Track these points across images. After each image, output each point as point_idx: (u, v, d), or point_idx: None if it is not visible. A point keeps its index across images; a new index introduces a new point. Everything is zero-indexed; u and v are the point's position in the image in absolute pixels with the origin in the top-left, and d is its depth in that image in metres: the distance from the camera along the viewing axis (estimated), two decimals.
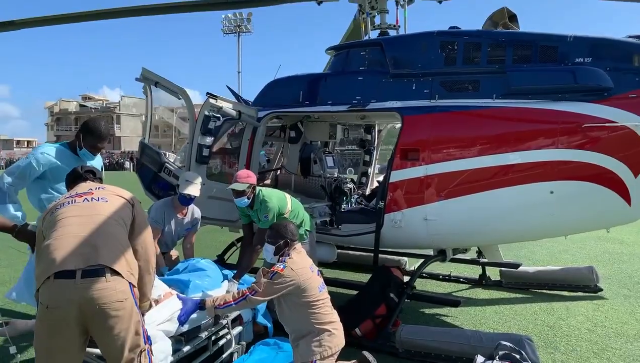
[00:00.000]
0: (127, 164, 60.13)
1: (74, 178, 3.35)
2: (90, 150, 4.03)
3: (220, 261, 6.62)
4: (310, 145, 7.26)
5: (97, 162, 4.18)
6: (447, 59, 5.52)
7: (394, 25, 6.54)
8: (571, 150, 4.89)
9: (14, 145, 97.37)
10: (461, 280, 7.36)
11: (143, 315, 3.06)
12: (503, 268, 7.09)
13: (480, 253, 7.03)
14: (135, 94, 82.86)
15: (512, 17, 5.81)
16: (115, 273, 2.71)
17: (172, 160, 6.67)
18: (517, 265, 6.83)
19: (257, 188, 4.93)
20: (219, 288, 4.37)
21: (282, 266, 3.79)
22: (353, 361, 4.10)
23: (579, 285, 6.73)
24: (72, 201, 3.00)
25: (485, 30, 5.70)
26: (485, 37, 5.45)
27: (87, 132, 4.00)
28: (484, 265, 7.11)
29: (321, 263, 7.49)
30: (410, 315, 5.86)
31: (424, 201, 5.32)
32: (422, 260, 5.85)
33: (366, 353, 4.13)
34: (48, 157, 3.93)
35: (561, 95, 4.97)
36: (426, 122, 5.37)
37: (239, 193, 4.76)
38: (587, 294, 6.67)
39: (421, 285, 7.22)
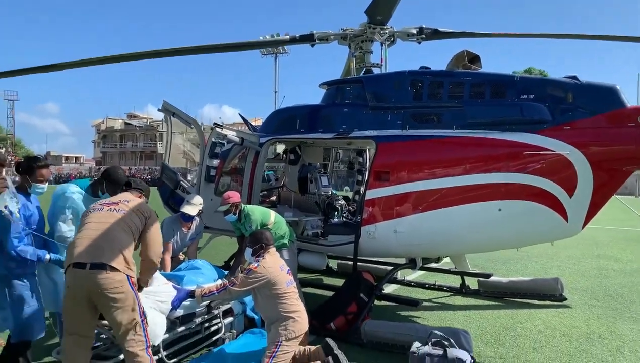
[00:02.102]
0: None
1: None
2: (111, 194, 4.75)
3: (226, 266, 7.62)
4: (308, 166, 8.24)
5: None
6: (415, 95, 6.43)
7: (378, 64, 7.49)
8: (515, 173, 5.70)
9: (63, 161, 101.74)
10: (444, 288, 8.13)
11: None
12: (480, 279, 7.85)
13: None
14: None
15: (475, 58, 6.67)
16: (114, 269, 3.72)
17: (190, 179, 7.77)
18: (488, 275, 7.60)
19: (242, 205, 5.92)
20: (212, 284, 5.35)
21: (256, 264, 4.77)
22: (318, 346, 5.00)
23: (546, 294, 7.42)
24: (100, 208, 4.08)
25: (447, 71, 6.58)
26: (447, 76, 6.34)
27: (109, 181, 4.83)
28: (462, 275, 7.87)
29: (313, 270, 8.46)
30: (387, 314, 6.69)
31: (394, 216, 6.19)
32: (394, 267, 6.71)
33: (328, 340, 5.00)
34: (78, 201, 4.72)
35: (508, 126, 5.81)
36: (396, 148, 6.27)
37: (226, 212, 5.79)
38: (554, 303, 7.35)
39: (407, 292, 8.04)
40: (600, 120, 5.51)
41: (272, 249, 5.05)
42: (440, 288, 8.15)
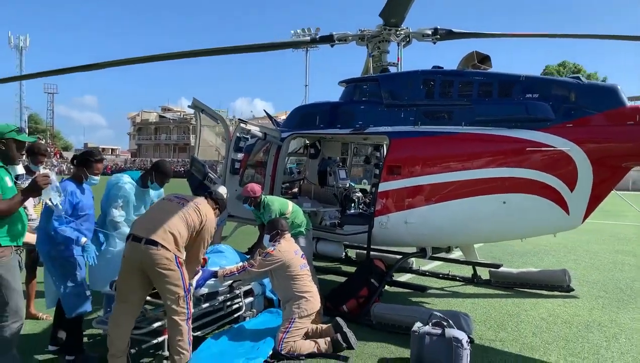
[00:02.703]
0: None
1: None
2: (159, 184, 5.54)
3: (249, 252, 8.14)
4: (328, 160, 8.68)
5: (160, 191, 5.74)
6: (427, 93, 6.80)
7: (394, 63, 7.86)
8: (519, 168, 6.03)
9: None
10: (457, 278, 8.49)
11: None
12: (491, 269, 8.18)
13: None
14: (211, 105, 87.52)
15: (486, 58, 7.00)
16: (165, 247, 4.29)
17: (218, 171, 8.31)
18: (498, 266, 7.91)
19: (263, 196, 6.41)
20: (233, 266, 5.87)
21: (272, 248, 5.27)
22: (329, 324, 5.48)
23: (554, 285, 7.71)
24: (171, 199, 4.74)
25: (457, 70, 6.92)
26: (457, 76, 6.69)
27: (158, 171, 5.47)
28: (473, 265, 8.21)
29: (331, 258, 8.91)
30: (399, 300, 7.10)
31: (405, 207, 6.59)
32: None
33: (338, 319, 5.50)
34: (130, 191, 5.36)
35: (514, 123, 6.13)
36: (408, 144, 6.66)
37: (244, 201, 6.31)
38: (561, 293, 7.64)
39: (421, 281, 8.42)
40: (600, 118, 5.78)
41: (288, 235, 5.53)
42: (453, 278, 8.51)
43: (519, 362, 5.13)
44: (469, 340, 4.88)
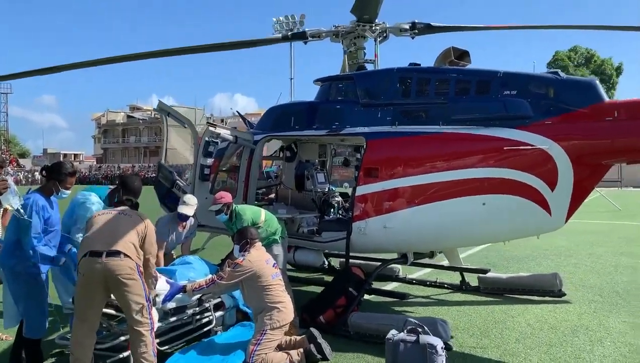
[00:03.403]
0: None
1: (118, 202, 5.40)
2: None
3: (223, 263, 8.57)
4: (305, 163, 9.14)
5: None
6: (404, 92, 7.28)
7: (371, 60, 8.35)
8: (498, 168, 6.51)
9: (61, 159, 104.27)
10: (445, 285, 8.98)
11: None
12: (480, 275, 8.67)
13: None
14: (185, 102, 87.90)
15: (465, 53, 7.49)
16: (127, 256, 4.70)
17: (186, 178, 8.74)
18: (486, 271, 8.41)
19: (234, 205, 6.84)
20: (202, 279, 6.30)
21: (242, 258, 5.71)
22: (303, 335, 5.92)
23: (545, 289, 8.21)
24: (110, 212, 5.08)
25: (433, 68, 7.41)
26: (433, 73, 7.18)
27: (126, 189, 5.48)
28: (461, 271, 8.70)
29: (312, 268, 9.37)
30: (382, 310, 7.56)
31: (383, 211, 7.06)
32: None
33: (312, 329, 5.94)
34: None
35: (492, 122, 6.62)
36: (384, 145, 7.13)
37: (217, 212, 6.72)
38: (553, 298, 8.14)
39: (408, 289, 8.89)
40: (579, 114, 6.28)
41: (258, 244, 5.98)
42: (441, 286, 8.99)
43: None
44: (444, 347, 5.35)
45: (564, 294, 8.16)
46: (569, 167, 6.29)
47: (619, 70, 69.15)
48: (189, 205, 7.10)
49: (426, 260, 8.48)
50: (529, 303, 8.03)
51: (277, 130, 8.40)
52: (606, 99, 6.29)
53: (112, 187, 6.30)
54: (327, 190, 8.90)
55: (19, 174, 75.12)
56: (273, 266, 5.91)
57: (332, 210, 8.57)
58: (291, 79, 67.96)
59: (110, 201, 5.89)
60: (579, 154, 6.25)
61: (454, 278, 9.17)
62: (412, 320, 5.62)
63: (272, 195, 9.56)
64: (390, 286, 9.11)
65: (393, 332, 5.57)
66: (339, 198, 8.79)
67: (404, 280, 9.34)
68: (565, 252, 12.90)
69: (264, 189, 9.73)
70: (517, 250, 12.91)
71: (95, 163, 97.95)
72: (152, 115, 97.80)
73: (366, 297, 7.87)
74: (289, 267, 9.02)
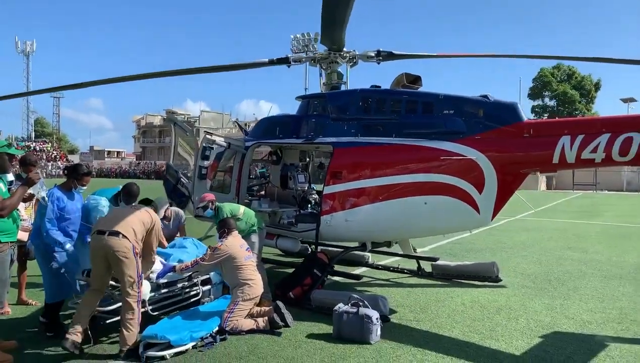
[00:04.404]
0: None
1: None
2: (126, 203, 6.21)
3: None
4: (289, 166, 9.69)
5: None
6: (365, 109, 7.80)
7: (344, 82, 8.89)
8: (437, 174, 7.03)
9: (105, 156, 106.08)
10: (405, 271, 9.49)
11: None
12: (433, 262, 9.18)
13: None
14: (214, 108, 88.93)
15: (417, 79, 8.01)
16: (125, 237, 5.30)
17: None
18: (435, 259, 8.93)
19: (217, 203, 7.40)
20: (189, 261, 6.86)
21: (220, 243, 6.30)
22: (270, 307, 6.48)
23: (484, 276, 8.70)
24: (124, 206, 5.84)
25: (389, 90, 7.94)
26: (389, 94, 7.71)
27: (125, 193, 6.14)
28: (417, 259, 9.22)
29: (288, 252, 9.93)
30: (347, 288, 8.08)
31: (345, 208, 7.59)
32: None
33: (278, 302, 6.51)
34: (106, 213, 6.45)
35: (434, 135, 7.12)
36: (347, 152, 7.66)
37: (204, 208, 7.30)
38: (491, 283, 8.62)
39: (373, 273, 9.44)
40: (502, 131, 6.78)
41: (235, 232, 6.56)
42: (401, 271, 9.51)
43: (422, 336, 6.11)
44: (378, 317, 5.89)
45: (500, 280, 8.64)
46: (493, 174, 6.78)
47: (597, 86, 69.07)
48: (160, 207, 7.65)
49: (386, 249, 9.05)
50: (471, 287, 8.52)
51: (265, 138, 8.97)
52: (525, 118, 6.79)
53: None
54: (306, 188, 9.44)
55: (52, 169, 76.42)
56: (246, 250, 6.50)
57: (309, 205, 9.12)
58: (305, 89, 68.91)
59: (115, 202, 6.53)
60: (501, 163, 6.75)
61: (414, 265, 9.68)
62: (355, 296, 6.18)
63: (262, 192, 10.13)
64: (360, 270, 9.63)
65: (340, 305, 6.13)
66: (316, 196, 9.34)
67: (372, 266, 9.86)
68: (520, 245, 13.34)
69: (257, 187, 10.34)
70: (480, 242, 13.40)
71: (135, 160, 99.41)
72: (186, 118, 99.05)
73: (337, 278, 8.47)
74: (276, 252, 9.66)
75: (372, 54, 8.58)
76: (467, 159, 6.85)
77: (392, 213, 7.30)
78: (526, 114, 7.06)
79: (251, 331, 6.10)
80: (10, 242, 5.47)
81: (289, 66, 8.85)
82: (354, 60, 8.78)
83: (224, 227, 6.52)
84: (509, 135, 6.75)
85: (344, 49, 8.27)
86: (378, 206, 7.35)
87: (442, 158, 6.99)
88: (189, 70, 8.28)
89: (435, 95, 7.32)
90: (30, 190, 5.42)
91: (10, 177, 5.70)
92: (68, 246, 5.90)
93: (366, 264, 9.93)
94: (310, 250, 10.11)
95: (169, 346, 5.39)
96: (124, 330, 5.29)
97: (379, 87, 8.07)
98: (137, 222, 5.52)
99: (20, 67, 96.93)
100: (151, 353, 5.27)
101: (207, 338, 5.81)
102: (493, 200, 6.90)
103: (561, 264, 10.70)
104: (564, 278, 9.25)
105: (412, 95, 7.53)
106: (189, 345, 5.56)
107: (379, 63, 8.78)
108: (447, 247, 12.66)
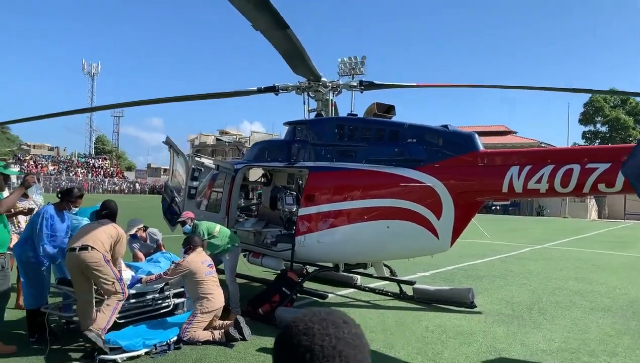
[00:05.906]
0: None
1: (99, 217, 6.64)
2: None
3: None
4: (279, 188, 10.08)
5: None
6: (340, 136, 8.15)
7: (324, 110, 9.27)
8: (399, 199, 7.27)
9: (162, 173, 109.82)
10: (388, 294, 9.64)
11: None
12: (415, 286, 9.30)
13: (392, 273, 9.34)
14: (266, 129, 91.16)
15: (391, 108, 8.30)
16: (94, 249, 5.84)
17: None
18: (412, 282, 9.05)
19: (195, 221, 7.87)
20: (156, 274, 7.31)
21: (182, 259, 6.75)
22: (231, 321, 6.85)
23: (460, 302, 8.74)
24: (92, 222, 6.39)
25: (361, 118, 8.26)
26: (360, 122, 8.03)
27: (102, 209, 6.71)
28: (398, 282, 9.36)
29: (272, 270, 10.26)
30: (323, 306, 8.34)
31: (317, 229, 7.92)
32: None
33: (239, 317, 6.88)
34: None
35: (397, 163, 7.38)
36: (320, 176, 8.02)
37: (182, 224, 7.80)
38: (467, 309, 8.65)
39: (358, 294, 9.65)
40: (459, 160, 6.96)
41: (199, 249, 7.00)
42: (385, 293, 9.66)
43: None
44: None
45: (475, 306, 8.65)
46: (450, 201, 6.96)
47: None
48: (131, 227, 8.24)
49: (370, 271, 9.25)
50: (446, 311, 8.56)
51: (255, 161, 9.46)
52: (481, 148, 6.94)
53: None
54: (294, 209, 9.80)
55: (123, 184, 79.95)
56: (208, 266, 6.92)
57: (293, 226, 9.47)
58: (351, 110, 69.18)
59: (93, 219, 7.12)
60: (457, 191, 6.93)
61: (392, 288, 9.78)
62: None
63: (256, 213, 10.58)
64: (347, 292, 9.87)
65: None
66: None
67: (359, 287, 10.07)
68: (526, 273, 13.11)
69: (252, 206, 10.81)
70: (486, 269, 13.31)
71: None
72: (237, 139, 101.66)
73: (330, 299, 8.74)
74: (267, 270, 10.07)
75: (355, 84, 8.95)
76: (426, 185, 7.06)
77: (358, 236, 7.56)
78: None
79: (207, 342, 6.48)
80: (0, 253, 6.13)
81: (276, 94, 9.32)
82: (338, 89, 9.15)
83: (189, 244, 6.98)
84: (465, 163, 6.92)
85: (325, 79, 8.66)
86: (345, 229, 7.64)
87: (402, 184, 7.23)
88: (177, 98, 8.91)
89: (401, 124, 7.59)
90: (27, 192, 6.07)
91: (5, 194, 6.39)
92: (58, 261, 6.56)
93: (355, 286, 10.14)
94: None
95: (122, 351, 5.86)
96: (98, 312, 5.84)
97: (356, 115, 8.40)
98: (103, 234, 6.05)
99: (86, 87, 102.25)
100: (104, 356, 5.75)
101: (162, 346, 6.24)
102: (451, 226, 7.06)
103: (554, 294, 10.51)
104: (546, 308, 9.13)
105: (380, 124, 7.83)
106: (142, 352, 6.01)
107: (361, 92, 9.13)
108: (449, 272, 12.67)
